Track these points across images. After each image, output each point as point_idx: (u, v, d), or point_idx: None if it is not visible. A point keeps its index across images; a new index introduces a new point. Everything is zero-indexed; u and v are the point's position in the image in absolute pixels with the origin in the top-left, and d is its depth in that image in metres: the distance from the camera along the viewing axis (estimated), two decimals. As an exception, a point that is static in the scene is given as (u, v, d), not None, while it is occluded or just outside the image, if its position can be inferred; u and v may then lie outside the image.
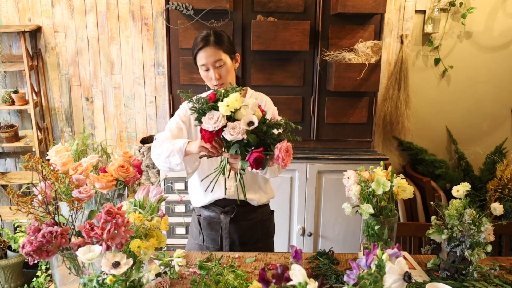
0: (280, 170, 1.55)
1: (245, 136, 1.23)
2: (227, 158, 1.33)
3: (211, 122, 1.24)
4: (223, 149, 1.33)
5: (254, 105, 1.27)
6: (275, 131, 1.30)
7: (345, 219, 2.69)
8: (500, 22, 3.02)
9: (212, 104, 1.25)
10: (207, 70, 1.57)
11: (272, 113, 1.36)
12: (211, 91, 1.30)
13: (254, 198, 1.66)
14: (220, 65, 1.56)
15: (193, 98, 1.30)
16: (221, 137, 1.27)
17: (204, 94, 1.33)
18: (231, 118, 1.25)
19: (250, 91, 1.70)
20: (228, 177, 1.38)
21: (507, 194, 2.73)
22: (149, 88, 3.07)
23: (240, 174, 1.33)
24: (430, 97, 3.13)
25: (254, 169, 1.24)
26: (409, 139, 3.15)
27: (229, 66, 1.58)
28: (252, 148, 1.27)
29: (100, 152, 1.44)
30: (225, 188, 1.57)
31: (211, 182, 1.40)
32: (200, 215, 1.71)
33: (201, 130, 1.27)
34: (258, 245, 1.69)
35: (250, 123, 1.24)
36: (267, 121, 1.30)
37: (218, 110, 1.23)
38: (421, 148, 3.14)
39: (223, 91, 1.28)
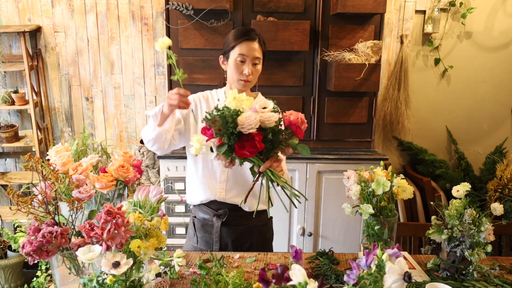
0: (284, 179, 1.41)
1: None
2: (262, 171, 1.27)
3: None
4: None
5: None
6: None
7: (345, 219, 2.69)
8: (500, 22, 3.02)
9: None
10: (243, 61, 1.55)
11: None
12: (221, 89, 1.25)
13: (246, 204, 1.64)
14: (256, 63, 1.58)
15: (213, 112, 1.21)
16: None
17: (225, 103, 1.22)
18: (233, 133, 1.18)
19: (260, 96, 1.69)
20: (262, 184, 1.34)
21: (507, 194, 2.73)
22: (149, 88, 3.07)
23: (270, 183, 1.28)
24: (430, 97, 3.13)
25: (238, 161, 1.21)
26: (409, 139, 3.15)
27: (260, 68, 1.61)
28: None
29: (100, 152, 1.44)
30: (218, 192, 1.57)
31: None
32: (195, 216, 1.71)
33: (203, 128, 1.26)
34: (253, 251, 1.65)
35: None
36: (279, 129, 1.23)
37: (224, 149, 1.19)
38: (421, 148, 3.13)
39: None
